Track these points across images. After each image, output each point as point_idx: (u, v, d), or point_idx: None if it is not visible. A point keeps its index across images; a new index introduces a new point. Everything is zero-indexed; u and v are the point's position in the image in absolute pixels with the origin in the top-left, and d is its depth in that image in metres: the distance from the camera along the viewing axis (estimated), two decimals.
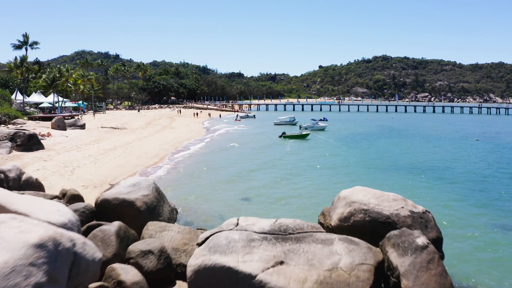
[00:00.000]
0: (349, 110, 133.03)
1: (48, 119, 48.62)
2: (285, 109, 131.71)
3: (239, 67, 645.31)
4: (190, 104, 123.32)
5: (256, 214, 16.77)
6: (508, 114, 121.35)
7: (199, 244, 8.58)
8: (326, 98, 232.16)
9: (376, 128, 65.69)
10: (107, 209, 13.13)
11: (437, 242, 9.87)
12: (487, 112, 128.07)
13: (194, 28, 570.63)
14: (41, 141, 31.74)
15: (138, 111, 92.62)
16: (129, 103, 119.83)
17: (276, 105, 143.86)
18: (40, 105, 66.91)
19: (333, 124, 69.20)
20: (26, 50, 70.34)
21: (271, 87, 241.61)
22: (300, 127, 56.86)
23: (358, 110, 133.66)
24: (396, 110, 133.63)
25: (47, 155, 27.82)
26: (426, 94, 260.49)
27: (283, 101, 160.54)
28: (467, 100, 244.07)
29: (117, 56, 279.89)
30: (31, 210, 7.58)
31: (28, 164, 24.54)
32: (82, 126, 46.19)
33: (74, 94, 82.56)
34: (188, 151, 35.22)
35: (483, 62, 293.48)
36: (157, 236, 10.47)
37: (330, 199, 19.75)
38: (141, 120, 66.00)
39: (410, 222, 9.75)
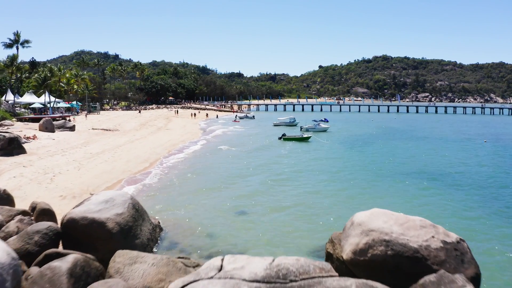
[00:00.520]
0: (350, 111, 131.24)
1: (38, 120, 46.34)
2: (285, 110, 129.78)
3: (238, 67, 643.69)
4: (188, 104, 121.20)
5: (250, 231, 14.76)
6: (511, 115, 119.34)
7: None
8: (327, 98, 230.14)
9: (379, 129, 63.49)
10: (74, 231, 11.25)
11: (475, 280, 7.82)
12: (490, 112, 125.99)
13: (194, 28, 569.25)
14: (24, 144, 29.80)
15: (139, 112, 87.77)
16: (126, 103, 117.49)
17: (276, 105, 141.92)
18: (32, 106, 64.53)
19: (334, 125, 66.77)
20: (17, 49, 68.44)
21: (271, 87, 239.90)
22: (301, 128, 54.71)
23: (359, 111, 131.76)
24: (398, 111, 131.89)
25: (28, 160, 25.78)
26: (427, 94, 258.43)
27: (283, 101, 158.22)
28: (468, 100, 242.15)
29: (116, 56, 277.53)
30: None
31: (5, 171, 22.59)
32: (72, 128, 43.98)
33: (70, 95, 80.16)
34: (181, 154, 33.26)
35: (484, 62, 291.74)
36: (125, 271, 8.42)
37: (335, 211, 18.11)
38: (135, 121, 63.75)
39: (444, 256, 7.69)
